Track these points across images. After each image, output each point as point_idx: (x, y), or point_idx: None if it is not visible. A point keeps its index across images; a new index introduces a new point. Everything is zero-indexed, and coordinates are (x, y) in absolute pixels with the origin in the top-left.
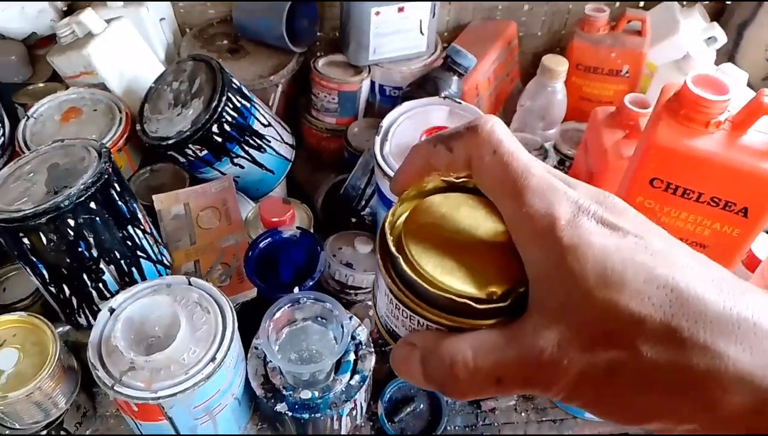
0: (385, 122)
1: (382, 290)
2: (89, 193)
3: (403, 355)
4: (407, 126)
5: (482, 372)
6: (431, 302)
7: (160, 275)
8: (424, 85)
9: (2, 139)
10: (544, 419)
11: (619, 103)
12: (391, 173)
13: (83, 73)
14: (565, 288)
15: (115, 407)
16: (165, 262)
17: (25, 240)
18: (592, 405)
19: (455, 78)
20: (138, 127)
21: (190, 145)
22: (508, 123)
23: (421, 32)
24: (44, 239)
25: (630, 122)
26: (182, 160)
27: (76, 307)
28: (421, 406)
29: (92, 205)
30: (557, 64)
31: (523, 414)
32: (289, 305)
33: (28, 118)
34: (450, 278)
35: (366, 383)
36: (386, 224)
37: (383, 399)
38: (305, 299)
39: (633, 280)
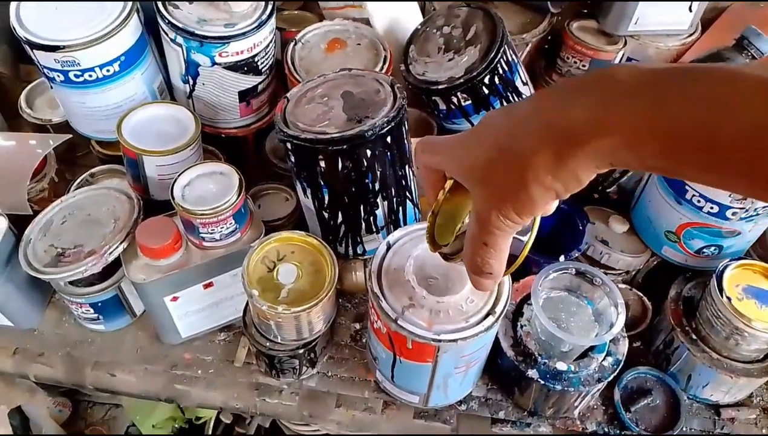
0: None
1: None
2: (390, 126)
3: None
4: None
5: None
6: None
7: (416, 218)
8: None
9: (273, 59)
10: None
11: None
12: None
13: (348, 6)
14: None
15: (350, 337)
16: (419, 206)
17: (322, 163)
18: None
19: (747, 62)
20: (402, 67)
21: (458, 93)
22: None
23: (690, 9)
24: (340, 165)
25: None
26: (442, 107)
27: (341, 235)
28: (658, 401)
29: (388, 139)
30: None
31: (765, 430)
32: (555, 272)
33: (296, 43)
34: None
35: (618, 367)
36: (432, 208)
37: (620, 386)
38: (572, 269)
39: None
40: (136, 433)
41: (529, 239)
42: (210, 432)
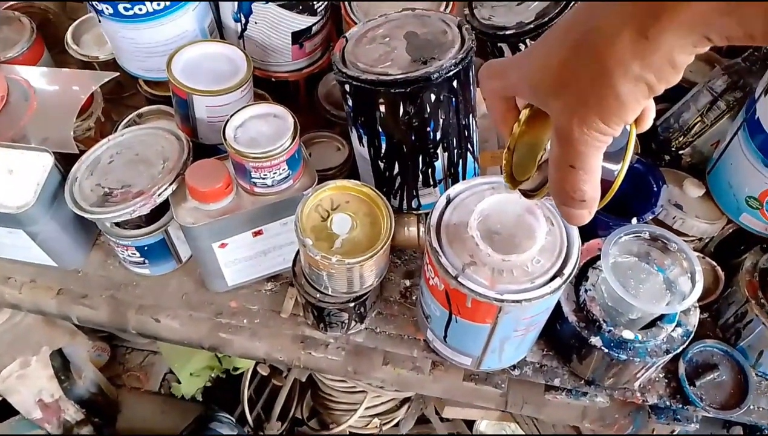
0: None
1: None
2: (457, 69)
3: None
4: None
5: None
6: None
7: (475, 173)
8: None
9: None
10: None
11: None
12: None
13: None
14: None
15: (399, 293)
16: (479, 161)
17: (382, 108)
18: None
19: None
20: (466, 11)
21: (527, 41)
22: None
23: None
24: (401, 110)
25: None
26: (508, 55)
27: (396, 187)
28: (724, 377)
29: (455, 83)
30: None
31: None
32: (627, 235)
33: None
34: (517, 172)
35: (688, 339)
36: (507, 143)
37: (685, 358)
38: (646, 233)
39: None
40: (174, 380)
41: (625, 158)
42: (247, 383)
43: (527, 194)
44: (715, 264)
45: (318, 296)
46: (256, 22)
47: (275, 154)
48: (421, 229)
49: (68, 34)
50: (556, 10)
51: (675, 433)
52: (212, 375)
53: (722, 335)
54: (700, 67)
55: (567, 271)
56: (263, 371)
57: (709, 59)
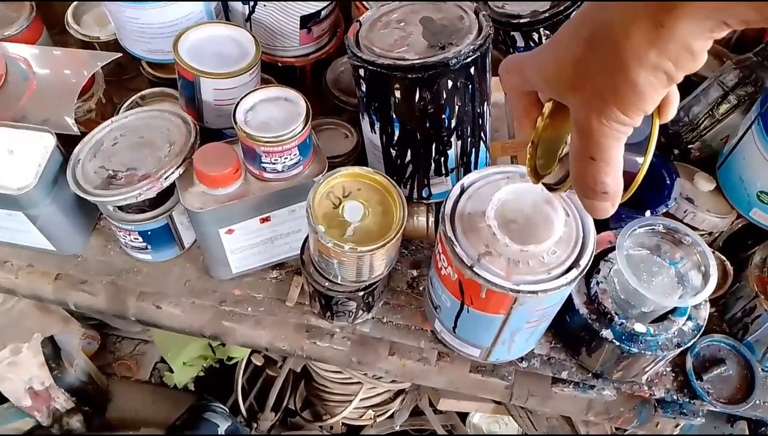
0: None
1: None
2: (475, 55)
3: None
4: None
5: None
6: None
7: (486, 163)
8: None
9: None
10: None
11: None
12: None
13: None
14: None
15: (406, 284)
16: (490, 150)
17: (397, 93)
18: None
19: None
20: None
21: (541, 29)
22: None
23: None
24: (417, 97)
25: None
26: (520, 44)
27: (407, 175)
28: (731, 371)
29: (472, 70)
30: None
31: None
32: (642, 227)
33: None
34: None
35: (699, 333)
36: (531, 137)
37: (692, 353)
38: (660, 225)
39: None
40: (166, 369)
41: (649, 148)
42: (241, 373)
43: (551, 188)
44: (724, 259)
45: (327, 284)
46: (264, 5)
47: (287, 139)
48: (430, 218)
49: (68, 14)
50: None
51: (679, 427)
52: (205, 365)
53: (729, 329)
54: (709, 61)
55: (583, 262)
56: (258, 361)
57: (718, 54)
